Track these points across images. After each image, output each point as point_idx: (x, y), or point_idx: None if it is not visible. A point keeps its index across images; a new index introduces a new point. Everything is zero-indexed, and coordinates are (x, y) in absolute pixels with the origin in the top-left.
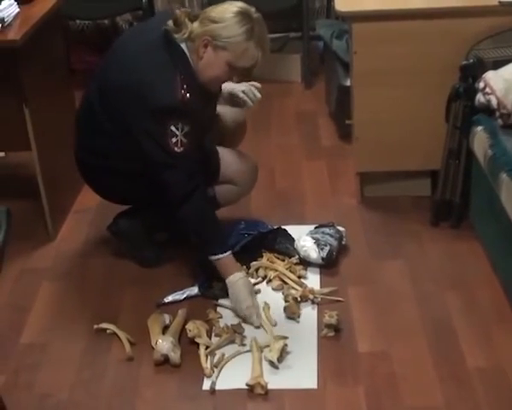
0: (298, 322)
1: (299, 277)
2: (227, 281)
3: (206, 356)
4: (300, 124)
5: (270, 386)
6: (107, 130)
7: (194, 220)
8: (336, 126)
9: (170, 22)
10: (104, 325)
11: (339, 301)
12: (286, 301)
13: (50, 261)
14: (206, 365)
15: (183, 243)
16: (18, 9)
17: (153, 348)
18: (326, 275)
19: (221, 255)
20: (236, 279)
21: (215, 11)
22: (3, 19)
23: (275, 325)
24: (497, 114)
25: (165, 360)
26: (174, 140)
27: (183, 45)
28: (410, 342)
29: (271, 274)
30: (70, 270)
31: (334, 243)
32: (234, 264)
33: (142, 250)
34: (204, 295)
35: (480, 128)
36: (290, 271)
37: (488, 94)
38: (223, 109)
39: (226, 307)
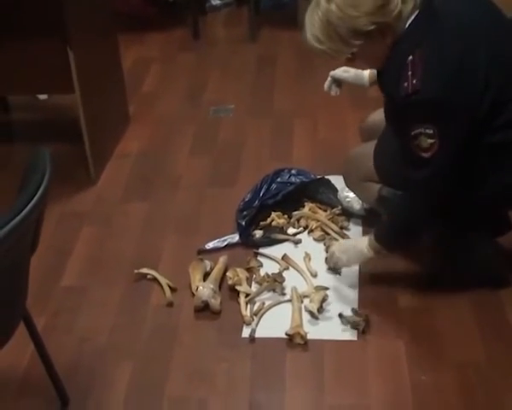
0: (339, 273)
1: (342, 228)
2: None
3: (246, 304)
4: None
5: (309, 336)
6: None
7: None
8: None
9: None
10: (144, 270)
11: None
12: (327, 251)
13: (91, 205)
14: (246, 312)
15: None
16: None
17: (193, 294)
18: (368, 227)
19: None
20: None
21: None
22: None
23: (315, 275)
24: None
25: (206, 306)
26: None
27: None
28: (453, 299)
29: (313, 224)
30: (111, 214)
31: None
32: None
33: None
34: (245, 243)
35: None
36: (332, 221)
37: None
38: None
39: (267, 256)
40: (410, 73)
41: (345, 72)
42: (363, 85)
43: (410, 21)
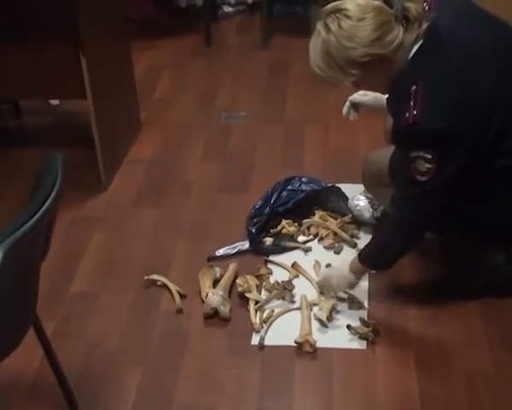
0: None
1: (352, 236)
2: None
3: (256, 311)
4: None
5: (318, 344)
6: None
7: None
8: None
9: None
10: (154, 277)
11: None
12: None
13: (102, 211)
14: (256, 320)
15: None
16: None
17: (203, 301)
18: None
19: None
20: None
21: None
22: None
23: None
24: None
25: (215, 313)
26: None
27: None
28: (462, 308)
29: (323, 232)
30: (122, 220)
31: None
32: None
33: None
34: (255, 250)
35: None
36: (343, 230)
37: None
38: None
39: (277, 264)
40: (411, 103)
41: (364, 95)
42: (382, 108)
43: (414, 50)
